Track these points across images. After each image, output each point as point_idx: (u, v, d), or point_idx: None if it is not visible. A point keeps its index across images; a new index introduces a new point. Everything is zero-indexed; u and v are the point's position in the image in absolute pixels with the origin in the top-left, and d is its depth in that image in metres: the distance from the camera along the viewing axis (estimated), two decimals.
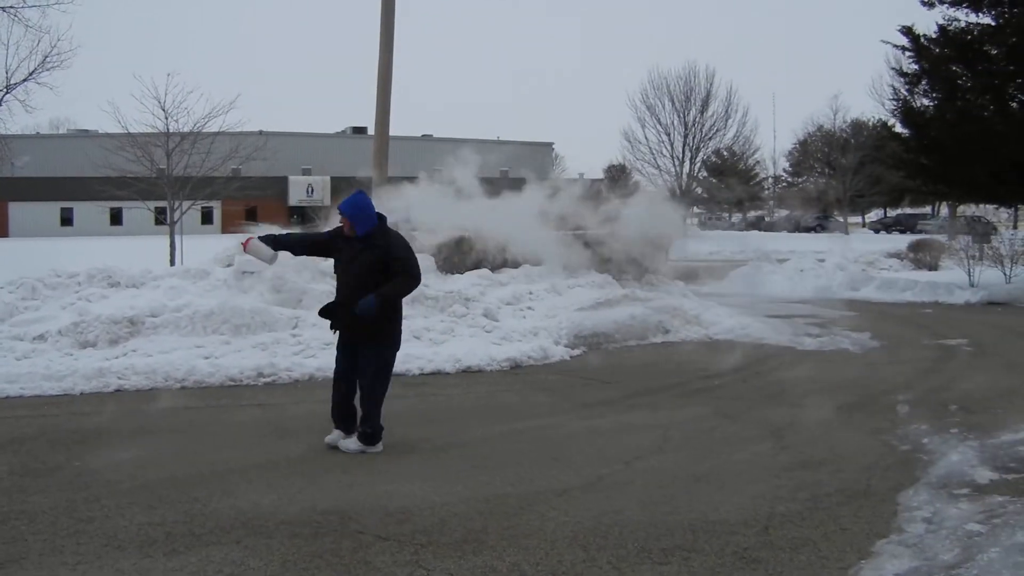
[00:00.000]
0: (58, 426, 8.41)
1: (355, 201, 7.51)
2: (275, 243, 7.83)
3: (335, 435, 7.73)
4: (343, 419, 7.73)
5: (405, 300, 7.75)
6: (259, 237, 7.80)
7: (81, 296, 13.14)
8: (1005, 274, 22.38)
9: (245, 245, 7.78)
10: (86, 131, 76.83)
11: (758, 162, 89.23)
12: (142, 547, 5.37)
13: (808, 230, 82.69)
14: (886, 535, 5.61)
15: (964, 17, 22.52)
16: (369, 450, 7.54)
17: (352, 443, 7.59)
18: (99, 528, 5.69)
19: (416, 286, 7.55)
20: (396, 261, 7.38)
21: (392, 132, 22.79)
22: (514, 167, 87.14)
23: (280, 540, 5.49)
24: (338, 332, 7.68)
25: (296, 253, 8.50)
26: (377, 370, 7.56)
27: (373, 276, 7.36)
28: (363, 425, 7.58)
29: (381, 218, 7.58)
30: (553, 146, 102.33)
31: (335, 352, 7.83)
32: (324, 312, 7.71)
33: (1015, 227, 62.62)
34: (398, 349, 7.74)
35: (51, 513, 5.97)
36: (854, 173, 74.47)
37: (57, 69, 26.23)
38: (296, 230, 13.74)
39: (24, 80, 26.26)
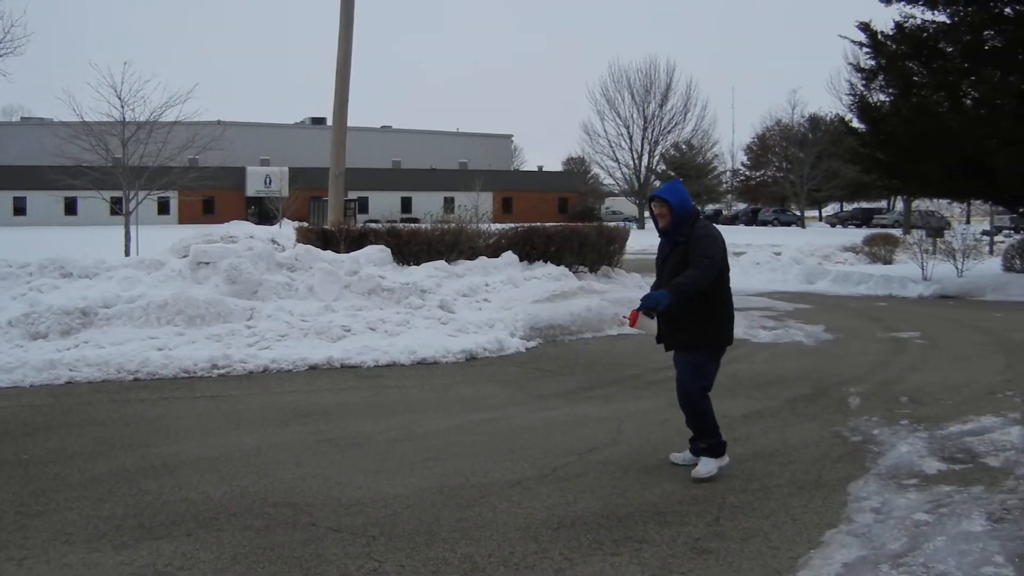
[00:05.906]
0: (6, 419, 8.30)
1: (674, 188, 6.75)
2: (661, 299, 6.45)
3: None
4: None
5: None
6: (643, 308, 6.54)
7: (32, 286, 12.99)
8: (957, 268, 22.70)
9: (632, 321, 6.62)
10: (40, 119, 75.88)
11: (716, 156, 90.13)
12: (91, 541, 5.32)
13: (765, 224, 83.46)
14: (836, 525, 5.68)
15: (920, 14, 22.80)
16: (718, 465, 6.71)
17: (702, 467, 6.68)
18: (46, 522, 5.62)
19: (703, 279, 6.43)
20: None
21: (351, 123, 22.76)
22: (473, 159, 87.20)
23: (231, 533, 5.45)
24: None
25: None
26: (681, 374, 6.79)
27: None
28: (700, 441, 6.79)
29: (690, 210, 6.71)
30: (512, 138, 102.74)
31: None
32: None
33: (968, 222, 63.78)
34: (714, 351, 6.75)
35: None
36: (811, 167, 75.29)
37: (10, 55, 25.96)
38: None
39: None
